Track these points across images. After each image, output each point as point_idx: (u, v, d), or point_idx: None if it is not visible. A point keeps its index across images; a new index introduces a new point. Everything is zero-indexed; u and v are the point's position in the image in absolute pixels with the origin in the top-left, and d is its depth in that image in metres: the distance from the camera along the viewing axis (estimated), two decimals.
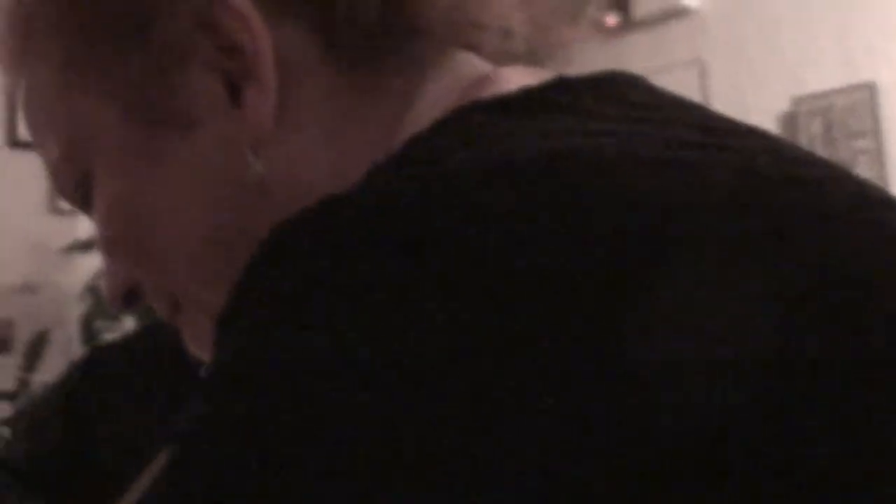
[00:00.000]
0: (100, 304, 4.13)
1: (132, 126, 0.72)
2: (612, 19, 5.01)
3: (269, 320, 0.51)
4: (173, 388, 2.75)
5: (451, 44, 0.74)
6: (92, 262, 4.27)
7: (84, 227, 4.48)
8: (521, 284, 0.47)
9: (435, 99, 0.71)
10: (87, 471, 2.69)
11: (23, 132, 4.46)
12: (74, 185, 0.77)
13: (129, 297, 0.80)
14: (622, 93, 0.66)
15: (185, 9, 0.70)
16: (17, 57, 0.78)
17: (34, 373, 3.98)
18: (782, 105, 4.57)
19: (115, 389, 2.74)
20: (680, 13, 4.89)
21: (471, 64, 0.73)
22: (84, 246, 4.30)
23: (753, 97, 4.64)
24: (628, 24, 5.03)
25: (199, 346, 0.80)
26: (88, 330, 4.13)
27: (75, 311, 4.35)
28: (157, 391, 2.75)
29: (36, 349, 4.16)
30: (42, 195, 4.49)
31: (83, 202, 0.78)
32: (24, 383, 4.00)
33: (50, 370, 3.48)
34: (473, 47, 0.75)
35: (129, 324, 4.01)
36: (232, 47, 0.70)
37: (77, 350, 3.98)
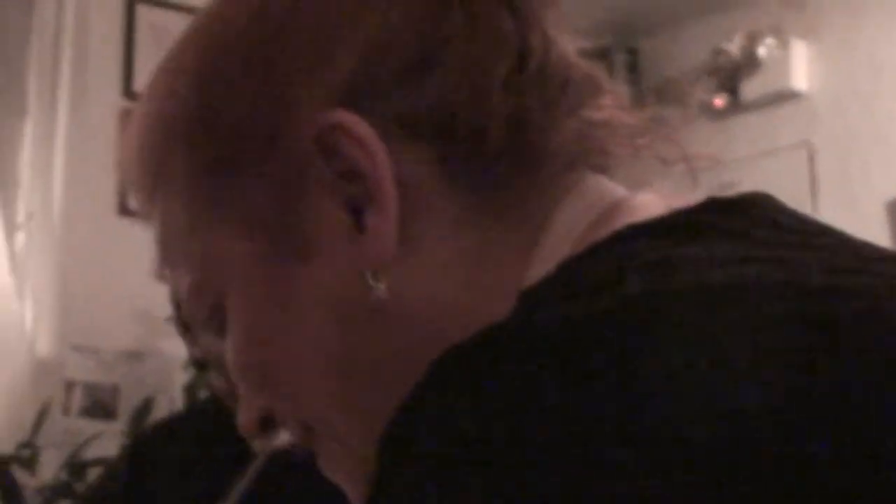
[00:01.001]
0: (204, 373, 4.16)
1: (259, 255, 0.74)
2: (720, 101, 5.00)
3: (443, 462, 0.51)
4: (221, 466, 2.77)
5: (580, 168, 0.74)
6: None
7: None
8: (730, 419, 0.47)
9: (570, 223, 0.71)
10: None
11: (133, 201, 4.52)
12: (208, 314, 0.78)
13: (264, 424, 0.81)
14: (771, 216, 0.66)
15: (306, 137, 0.71)
16: (149, 194, 0.81)
17: None
18: (891, 192, 4.52)
19: (164, 470, 2.76)
20: (789, 96, 4.87)
21: (603, 187, 0.74)
22: None
23: (861, 183, 4.59)
24: (736, 106, 5.02)
25: (333, 471, 0.80)
26: (193, 398, 4.16)
27: (180, 379, 4.38)
28: (206, 469, 2.76)
29: (141, 416, 4.20)
30: (150, 263, 4.54)
31: (217, 330, 0.79)
32: None
33: None
34: (602, 168, 0.76)
35: None
36: (353, 172, 0.71)
37: None
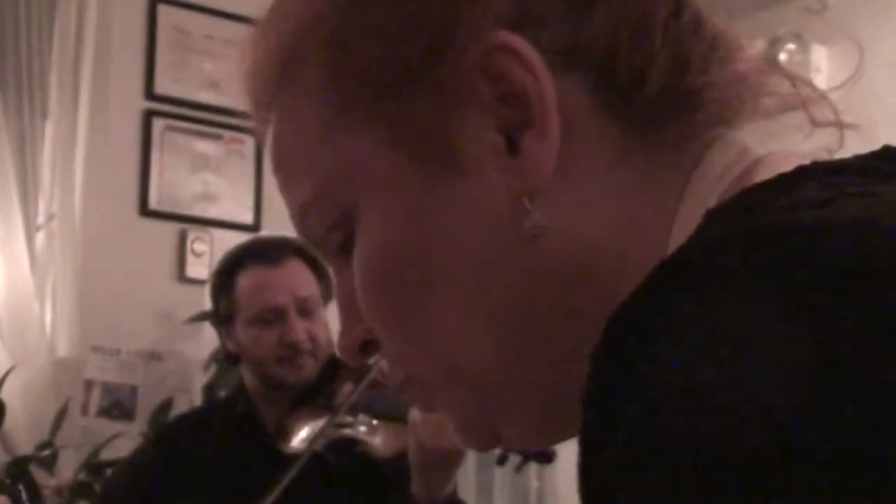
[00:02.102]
0: (223, 375, 4.17)
1: (405, 168, 0.72)
2: None
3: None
4: (243, 458, 2.79)
5: (728, 119, 0.74)
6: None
7: None
8: None
9: (723, 167, 0.71)
10: None
11: (153, 201, 4.54)
12: (328, 229, 0.76)
13: (366, 348, 0.79)
14: None
15: (472, 52, 0.70)
16: (274, 86, 0.78)
17: None
18: None
19: (187, 461, 2.78)
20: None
21: (746, 141, 0.74)
22: (210, 316, 4.35)
23: None
24: None
25: (441, 408, 0.79)
26: (212, 400, 4.17)
27: (199, 380, 4.40)
28: (228, 461, 2.78)
29: (159, 417, 4.21)
30: (171, 264, 4.56)
31: (332, 247, 0.77)
32: None
33: None
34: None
35: None
36: (512, 95, 0.70)
37: None
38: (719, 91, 0.74)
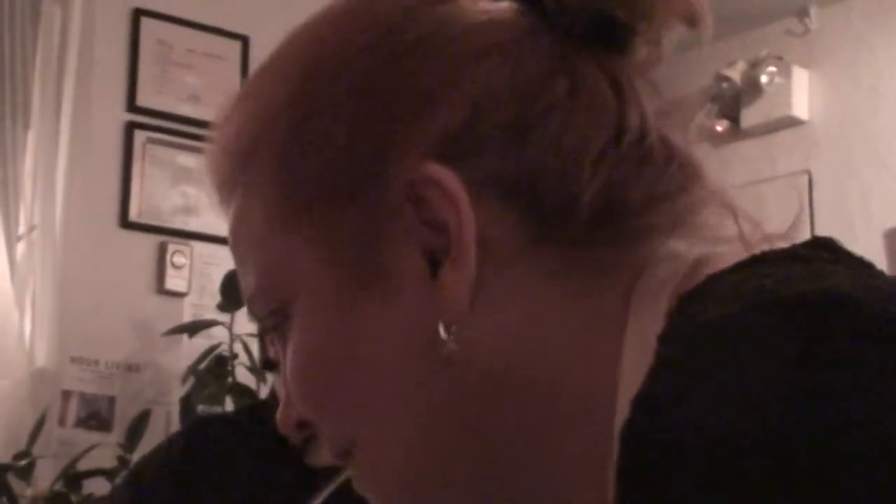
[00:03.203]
0: (201, 387, 4.17)
1: (332, 280, 0.75)
2: (721, 127, 5.01)
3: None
4: (273, 465, 2.78)
5: (668, 234, 0.76)
6: (196, 345, 4.31)
7: (190, 309, 4.53)
8: None
9: (663, 278, 0.72)
10: None
11: (134, 213, 4.54)
12: (269, 315, 0.79)
13: (302, 426, 0.82)
14: (855, 257, 0.72)
15: (398, 181, 0.72)
16: (231, 179, 0.81)
17: (134, 452, 4.02)
18: (889, 221, 4.52)
19: (218, 463, 2.78)
20: (789, 124, 4.88)
21: (684, 244, 0.75)
22: (189, 328, 4.35)
23: (859, 212, 4.60)
24: (737, 132, 5.03)
25: (366, 491, 0.80)
26: (189, 412, 4.16)
27: (177, 392, 4.39)
28: (258, 467, 2.78)
29: (137, 429, 4.20)
30: (150, 276, 4.55)
31: (272, 330, 0.80)
32: (123, 462, 4.04)
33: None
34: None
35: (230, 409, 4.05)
36: (438, 224, 0.72)
37: None
38: (660, 220, 0.75)
